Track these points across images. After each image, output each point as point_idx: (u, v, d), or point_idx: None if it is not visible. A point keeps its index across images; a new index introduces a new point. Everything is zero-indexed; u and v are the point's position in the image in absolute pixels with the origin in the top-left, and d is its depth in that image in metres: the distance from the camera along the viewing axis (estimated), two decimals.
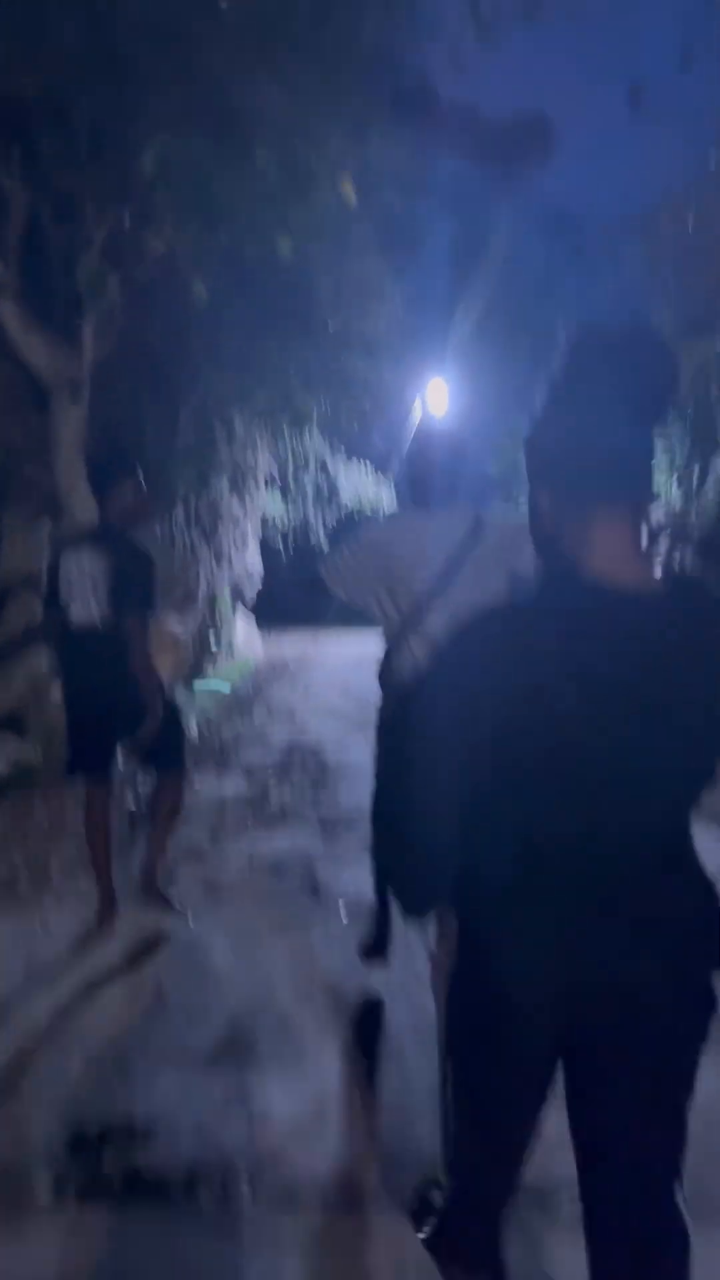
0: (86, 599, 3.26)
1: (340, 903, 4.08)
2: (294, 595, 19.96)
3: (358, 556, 2.48)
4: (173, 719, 3.54)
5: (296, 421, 17.24)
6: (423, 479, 2.55)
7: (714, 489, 9.72)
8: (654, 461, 1.22)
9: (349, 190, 6.54)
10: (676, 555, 10.17)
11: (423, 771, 1.20)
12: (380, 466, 19.34)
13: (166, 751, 3.55)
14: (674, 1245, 1.21)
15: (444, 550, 2.30)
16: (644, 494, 1.21)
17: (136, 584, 3.28)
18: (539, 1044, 1.24)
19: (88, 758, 3.60)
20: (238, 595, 15.91)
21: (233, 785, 6.62)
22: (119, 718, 3.40)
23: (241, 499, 16.13)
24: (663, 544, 10.29)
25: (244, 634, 17.43)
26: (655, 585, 1.17)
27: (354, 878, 4.02)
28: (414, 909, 1.34)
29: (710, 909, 1.23)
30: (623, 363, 1.15)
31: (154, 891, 3.75)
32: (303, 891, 4.32)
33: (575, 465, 1.19)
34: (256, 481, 16.87)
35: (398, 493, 3.20)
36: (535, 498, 1.26)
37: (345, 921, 3.87)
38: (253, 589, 16.76)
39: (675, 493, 10.33)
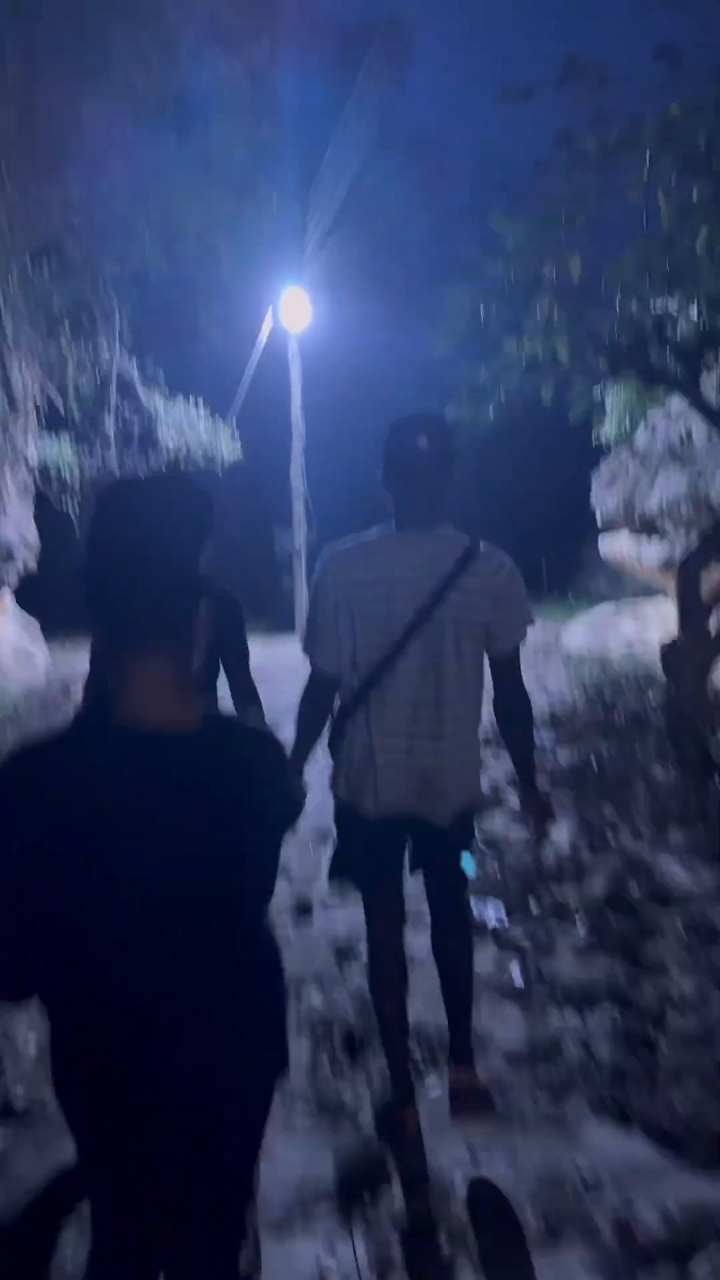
0: None
1: None
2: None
3: (327, 602, 2.20)
4: None
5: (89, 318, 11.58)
6: (406, 490, 2.19)
7: None
8: (195, 598, 1.21)
9: None
10: None
11: None
12: (216, 398, 13.75)
13: None
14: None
15: (425, 583, 2.13)
16: (179, 636, 1.21)
17: (237, 633, 2.96)
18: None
19: None
20: None
21: None
22: None
23: None
24: None
25: (11, 641, 11.44)
26: (191, 725, 1.21)
27: None
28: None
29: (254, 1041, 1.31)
30: (151, 512, 1.19)
31: None
32: None
33: (109, 611, 1.21)
34: (21, 411, 10.89)
35: (392, 500, 2.17)
36: (92, 639, 1.32)
37: None
38: (15, 572, 10.77)
39: None
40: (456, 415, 6.36)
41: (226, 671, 3.03)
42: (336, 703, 2.25)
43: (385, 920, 2.31)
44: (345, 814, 2.25)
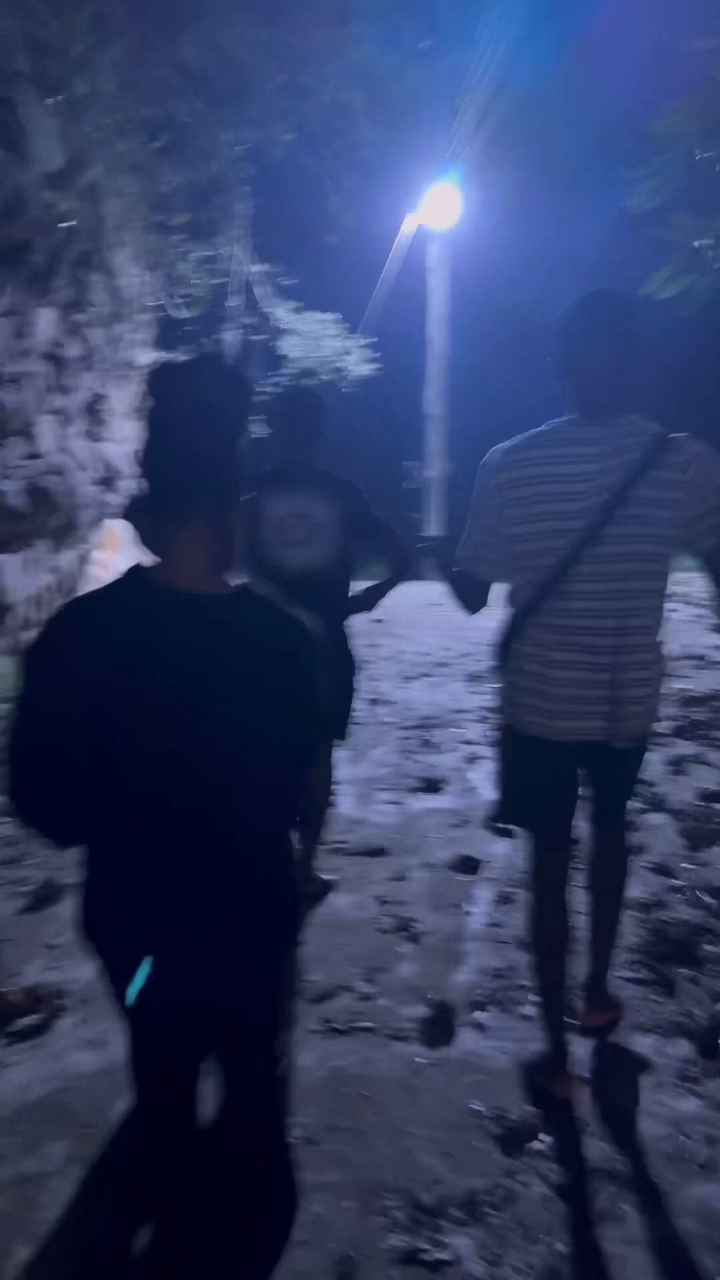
0: (305, 544, 3.02)
1: None
2: None
3: (485, 499, 2.05)
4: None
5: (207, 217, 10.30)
6: (582, 377, 1.98)
7: None
8: (233, 475, 1.31)
9: None
10: None
11: (49, 734, 1.28)
12: (348, 310, 12.35)
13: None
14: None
15: (608, 477, 1.92)
16: (216, 507, 1.31)
17: (362, 507, 3.09)
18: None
19: None
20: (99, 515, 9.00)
21: None
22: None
23: (97, 352, 9.08)
24: None
25: (117, 571, 10.63)
26: (225, 592, 1.32)
27: None
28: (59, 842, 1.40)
29: (272, 897, 1.38)
30: (194, 392, 1.28)
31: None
32: None
33: (156, 482, 1.31)
34: (130, 315, 9.79)
35: (566, 392, 1.89)
36: (133, 509, 1.39)
37: None
38: (123, 498, 9.87)
39: None
40: (660, 290, 4.80)
41: (370, 540, 3.08)
42: (503, 617, 2.07)
43: (553, 865, 2.13)
44: (516, 742, 2.06)
